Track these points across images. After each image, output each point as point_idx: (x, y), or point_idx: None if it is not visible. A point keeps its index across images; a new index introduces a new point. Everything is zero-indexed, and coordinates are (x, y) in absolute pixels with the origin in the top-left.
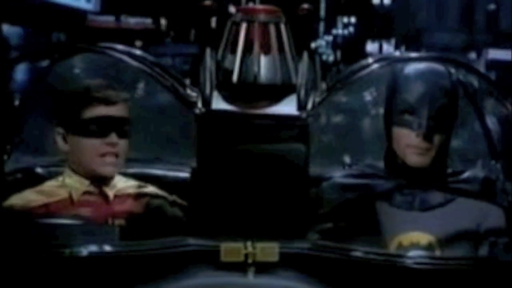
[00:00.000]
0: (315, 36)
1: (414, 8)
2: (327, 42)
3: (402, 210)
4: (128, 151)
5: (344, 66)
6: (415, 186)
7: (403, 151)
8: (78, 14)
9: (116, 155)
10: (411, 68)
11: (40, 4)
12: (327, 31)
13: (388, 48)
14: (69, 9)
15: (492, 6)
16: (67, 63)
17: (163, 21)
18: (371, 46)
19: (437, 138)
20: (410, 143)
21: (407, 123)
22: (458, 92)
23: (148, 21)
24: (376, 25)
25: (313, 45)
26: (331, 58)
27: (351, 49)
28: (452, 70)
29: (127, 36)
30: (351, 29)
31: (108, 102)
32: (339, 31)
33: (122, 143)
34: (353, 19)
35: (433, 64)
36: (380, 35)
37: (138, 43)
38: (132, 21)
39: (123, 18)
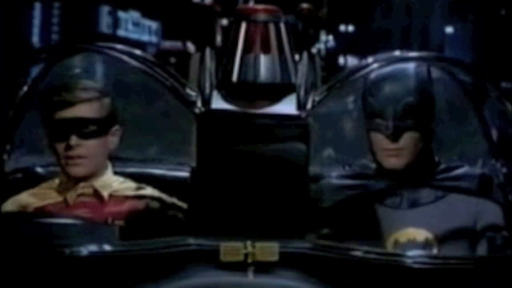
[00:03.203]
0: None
1: (369, 31)
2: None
3: (393, 209)
4: (116, 147)
5: (324, 73)
6: (404, 185)
7: (379, 154)
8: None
9: (81, 157)
10: (376, 72)
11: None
12: (312, 44)
13: (352, 60)
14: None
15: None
16: (66, 63)
17: (189, 44)
18: (341, 60)
19: (408, 138)
20: (383, 146)
21: (378, 127)
22: (429, 89)
23: (179, 44)
24: (343, 44)
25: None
26: None
27: (328, 61)
28: (453, 70)
29: (164, 55)
30: (329, 44)
31: (65, 104)
32: (321, 45)
33: (89, 144)
34: (330, 37)
35: (401, 65)
36: (347, 52)
37: (173, 59)
38: (167, 44)
39: (161, 42)
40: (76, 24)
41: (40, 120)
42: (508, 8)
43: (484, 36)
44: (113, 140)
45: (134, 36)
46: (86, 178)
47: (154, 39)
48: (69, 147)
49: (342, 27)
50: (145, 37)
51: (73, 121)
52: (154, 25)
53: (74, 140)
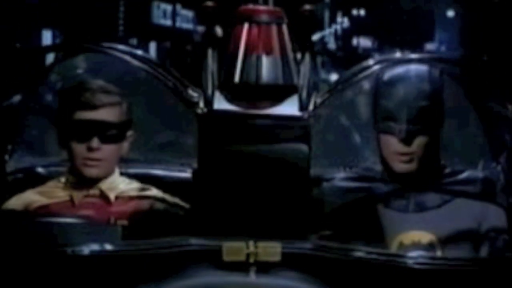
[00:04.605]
0: (321, 27)
1: (378, 15)
2: (330, 33)
3: (399, 212)
4: (128, 152)
5: (341, 53)
6: (411, 189)
7: (390, 158)
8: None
9: (99, 160)
10: (389, 73)
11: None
12: (330, 25)
13: (364, 41)
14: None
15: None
16: (68, 63)
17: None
18: (354, 40)
19: (419, 141)
20: (395, 150)
21: (390, 130)
22: (440, 93)
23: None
24: (356, 26)
25: (319, 35)
26: (333, 46)
27: (343, 41)
28: (454, 70)
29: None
30: (344, 25)
31: (90, 106)
32: (338, 26)
33: (107, 148)
34: (345, 19)
35: (414, 66)
36: (360, 33)
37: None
38: (199, 28)
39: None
40: (134, 17)
41: (55, 119)
42: None
43: (482, 21)
44: (126, 145)
45: (175, 25)
46: (96, 179)
47: (191, 26)
48: (90, 149)
49: (354, 11)
50: (184, 25)
51: (97, 123)
52: (190, 14)
53: (95, 142)
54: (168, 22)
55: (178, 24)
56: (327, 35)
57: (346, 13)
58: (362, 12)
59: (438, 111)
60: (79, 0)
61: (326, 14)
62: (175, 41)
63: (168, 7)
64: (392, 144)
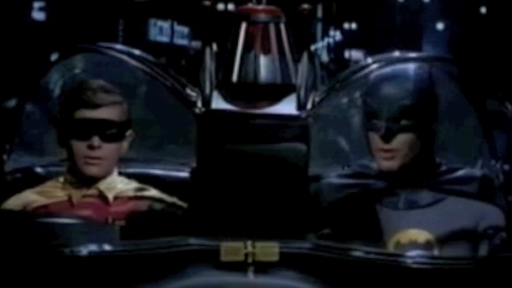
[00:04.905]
0: (314, 40)
1: (370, 29)
2: (323, 46)
3: (390, 209)
4: (127, 152)
5: (333, 65)
6: (406, 186)
7: (375, 155)
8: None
9: (99, 158)
10: (377, 72)
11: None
12: (323, 38)
13: (356, 54)
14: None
15: None
16: (68, 63)
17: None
18: (347, 53)
19: (403, 139)
20: (379, 147)
21: (374, 127)
22: (429, 92)
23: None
24: (348, 39)
25: (312, 47)
26: (325, 59)
27: (336, 54)
28: (452, 70)
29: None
30: (337, 38)
31: (91, 105)
32: (330, 39)
33: (108, 147)
34: (337, 32)
35: (402, 66)
36: (352, 46)
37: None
38: (193, 44)
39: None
40: (132, 34)
41: (56, 118)
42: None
43: (470, 34)
44: (125, 145)
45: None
46: (95, 178)
47: (186, 42)
48: (91, 147)
49: (346, 25)
50: (179, 41)
51: (97, 122)
52: (185, 30)
53: (96, 141)
54: (164, 39)
55: (174, 40)
56: (319, 48)
57: (338, 27)
58: (354, 25)
59: (425, 110)
60: (78, 18)
61: (319, 28)
62: (170, 56)
63: (165, 24)
64: (376, 141)
